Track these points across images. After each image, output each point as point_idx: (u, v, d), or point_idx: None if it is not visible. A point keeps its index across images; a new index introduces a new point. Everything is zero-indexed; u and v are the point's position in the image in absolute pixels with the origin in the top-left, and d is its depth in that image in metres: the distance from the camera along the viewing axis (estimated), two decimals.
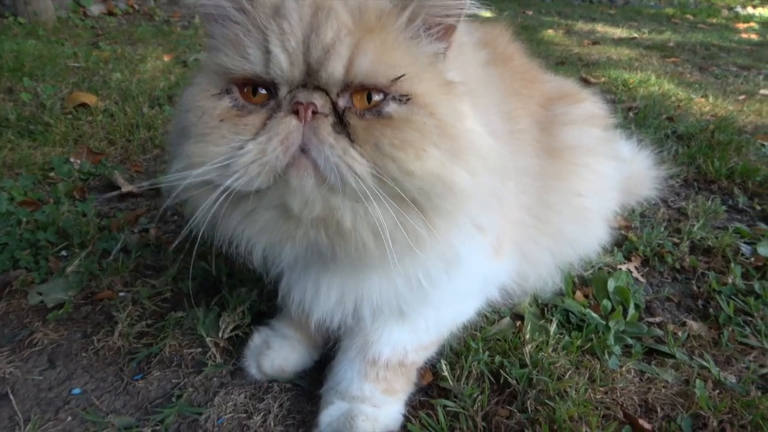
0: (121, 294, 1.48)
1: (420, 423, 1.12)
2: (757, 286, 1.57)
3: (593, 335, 1.35)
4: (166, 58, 3.84)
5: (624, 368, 1.27)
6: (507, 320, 1.41)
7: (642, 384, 1.24)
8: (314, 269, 0.98)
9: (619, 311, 1.44)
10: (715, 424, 1.13)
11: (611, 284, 1.52)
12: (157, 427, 1.11)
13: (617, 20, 7.43)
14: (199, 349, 1.30)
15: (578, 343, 1.31)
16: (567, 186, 1.35)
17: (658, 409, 1.18)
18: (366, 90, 0.77)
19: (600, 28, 6.71)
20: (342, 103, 0.78)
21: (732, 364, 1.32)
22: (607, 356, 1.29)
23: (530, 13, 7.92)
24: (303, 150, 0.74)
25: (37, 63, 3.44)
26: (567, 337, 1.34)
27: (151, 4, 6.30)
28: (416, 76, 0.79)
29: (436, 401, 1.16)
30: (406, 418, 1.14)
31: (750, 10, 9.87)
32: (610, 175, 1.48)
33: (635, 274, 1.65)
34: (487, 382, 1.20)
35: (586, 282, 1.59)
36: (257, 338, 1.26)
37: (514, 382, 1.19)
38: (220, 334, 1.31)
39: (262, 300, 1.40)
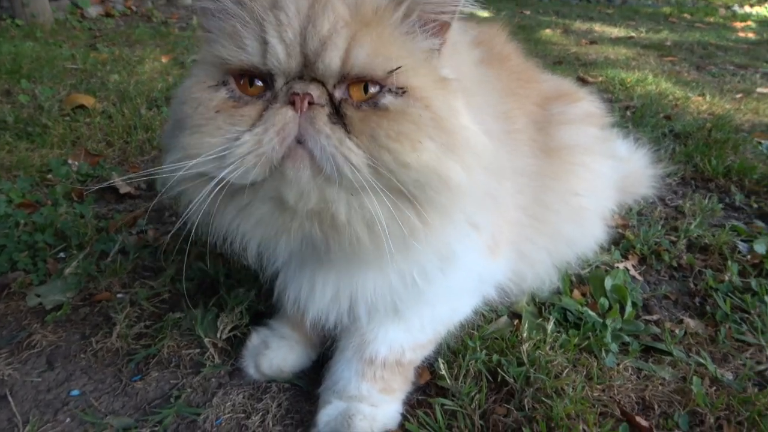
0: (119, 295, 1.48)
1: (418, 422, 1.12)
2: (753, 283, 1.58)
3: (590, 333, 1.36)
4: (164, 60, 3.84)
5: (621, 366, 1.27)
6: (504, 319, 1.41)
7: (639, 381, 1.24)
8: (309, 266, 0.99)
9: (616, 309, 1.44)
10: (712, 420, 1.14)
11: (608, 282, 1.53)
12: (156, 428, 1.11)
13: (615, 19, 7.45)
14: (198, 350, 1.30)
15: (575, 341, 1.31)
16: (564, 185, 1.35)
17: (656, 407, 1.18)
18: (362, 82, 0.78)
19: (597, 27, 6.72)
20: (338, 94, 0.78)
21: (729, 361, 1.33)
22: (604, 354, 1.30)
23: (528, 12, 7.93)
24: (299, 141, 0.75)
25: (35, 65, 3.44)
26: (564, 336, 1.34)
27: (149, 5, 6.30)
28: (412, 69, 0.80)
29: (434, 400, 1.17)
30: (404, 417, 1.14)
31: (747, 8, 9.89)
32: (607, 174, 1.48)
33: (632, 272, 1.66)
34: (484, 381, 1.21)
35: (584, 280, 1.60)
36: (255, 338, 1.26)
37: (512, 380, 1.20)
38: (218, 335, 1.31)
39: (260, 300, 1.41)
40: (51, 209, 1.79)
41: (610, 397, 1.19)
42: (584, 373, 1.24)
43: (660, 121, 2.94)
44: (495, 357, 1.25)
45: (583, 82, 3.75)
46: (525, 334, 1.32)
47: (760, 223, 1.96)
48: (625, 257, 1.74)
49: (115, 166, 2.20)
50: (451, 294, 1.11)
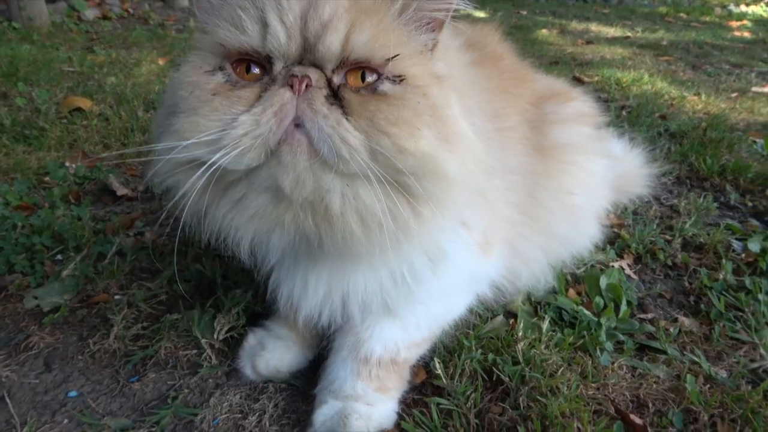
0: (116, 297, 1.48)
1: (414, 421, 1.13)
2: (747, 281, 1.59)
3: (585, 332, 1.37)
4: (161, 62, 3.85)
5: (616, 364, 1.28)
6: (500, 318, 1.42)
7: (634, 380, 1.25)
8: (302, 264, 0.99)
9: (611, 308, 1.45)
10: (705, 418, 1.15)
11: (603, 281, 1.54)
12: (153, 429, 1.12)
13: (611, 19, 7.46)
14: (195, 351, 1.31)
15: (570, 340, 1.32)
16: (558, 184, 1.36)
17: (650, 405, 1.19)
18: (360, 69, 0.79)
19: (594, 27, 6.73)
20: (336, 80, 0.78)
21: (723, 359, 1.34)
22: (599, 353, 1.31)
23: (524, 13, 7.95)
24: (297, 125, 0.74)
25: (32, 68, 3.44)
26: (559, 335, 1.35)
27: (146, 7, 6.31)
28: (409, 59, 0.81)
29: (430, 399, 1.17)
30: (400, 416, 1.15)
31: (743, 8, 9.91)
32: (601, 173, 1.49)
33: (627, 271, 1.67)
34: (480, 380, 1.22)
35: (579, 279, 1.60)
36: (252, 339, 1.27)
37: (507, 379, 1.21)
38: (215, 336, 1.31)
39: (257, 301, 1.41)
40: (48, 211, 1.79)
41: (605, 395, 1.20)
42: (579, 371, 1.25)
43: (655, 120, 2.96)
44: (490, 356, 1.26)
45: (579, 81, 3.76)
46: (520, 333, 1.33)
47: (754, 222, 1.98)
48: (620, 256, 1.75)
49: (112, 169, 2.21)
50: (444, 292, 1.12)
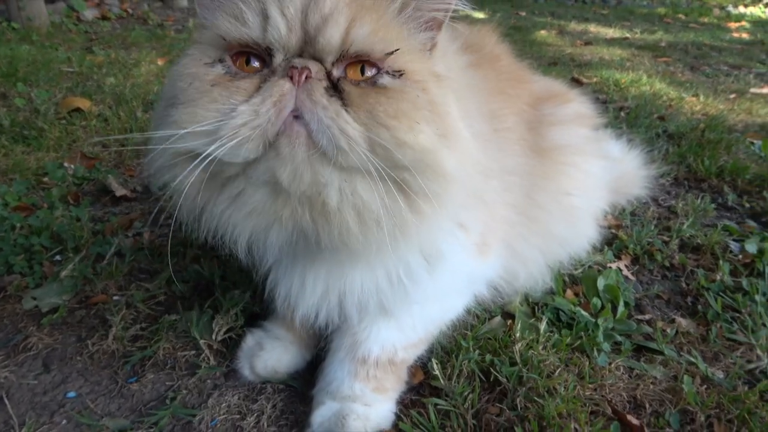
0: (115, 298, 1.49)
1: (411, 421, 1.14)
2: (745, 282, 1.59)
3: (583, 333, 1.37)
4: (160, 62, 3.85)
5: (613, 365, 1.28)
6: (498, 319, 1.42)
7: (631, 380, 1.26)
8: (300, 264, 0.99)
9: (608, 309, 1.46)
10: (702, 419, 1.15)
11: (601, 282, 1.54)
12: (152, 429, 1.12)
13: (610, 20, 7.47)
14: (193, 352, 1.31)
15: (568, 340, 1.33)
16: (555, 185, 1.36)
17: (647, 405, 1.19)
18: (360, 63, 0.79)
19: (593, 28, 6.74)
20: (336, 72, 0.79)
21: (720, 360, 1.34)
22: (596, 353, 1.31)
23: (523, 14, 7.95)
24: (296, 117, 0.74)
25: (31, 68, 3.44)
26: (557, 335, 1.35)
27: (145, 8, 6.31)
28: (409, 54, 0.82)
29: (428, 400, 1.18)
30: (398, 417, 1.15)
31: (741, 9, 9.93)
32: (599, 174, 1.50)
33: (625, 272, 1.67)
34: (477, 381, 1.22)
35: (577, 280, 1.61)
36: (250, 340, 1.27)
37: (505, 380, 1.21)
38: (213, 337, 1.32)
39: (255, 302, 1.42)
40: (47, 212, 1.79)
41: (602, 396, 1.20)
42: (576, 372, 1.25)
43: (654, 121, 2.96)
44: (488, 357, 1.27)
45: (577, 83, 3.77)
46: (518, 334, 1.33)
47: (752, 223, 1.98)
48: (617, 257, 1.75)
49: (111, 169, 2.21)
50: (440, 293, 1.12)
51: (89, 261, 1.61)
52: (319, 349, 1.26)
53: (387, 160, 0.76)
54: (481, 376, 1.24)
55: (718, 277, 1.63)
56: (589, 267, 1.66)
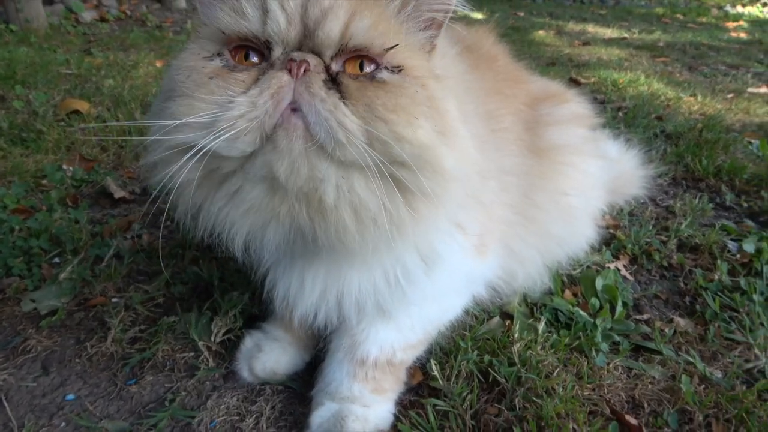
0: (113, 300, 1.49)
1: (410, 422, 1.14)
2: (742, 282, 1.60)
3: (581, 333, 1.37)
4: (158, 64, 3.85)
5: (611, 365, 1.29)
6: (496, 319, 1.42)
7: (629, 380, 1.26)
8: (299, 263, 0.99)
9: (606, 309, 1.46)
10: (700, 418, 1.15)
11: (599, 282, 1.54)
12: (151, 431, 1.12)
13: (608, 20, 7.48)
14: (192, 354, 1.31)
15: (566, 341, 1.33)
16: (553, 185, 1.37)
17: (645, 405, 1.20)
18: (359, 58, 0.79)
19: (591, 28, 6.75)
20: (335, 67, 0.79)
21: (718, 360, 1.34)
22: (594, 354, 1.31)
23: (521, 14, 7.96)
24: (293, 110, 0.73)
25: (30, 70, 3.44)
26: (555, 336, 1.36)
27: (144, 9, 6.31)
28: (408, 51, 0.82)
29: (426, 400, 1.18)
30: (397, 418, 1.15)
31: (739, 8, 9.95)
32: (596, 174, 1.50)
33: (623, 272, 1.67)
34: (476, 381, 1.22)
35: (575, 281, 1.61)
36: (249, 341, 1.27)
37: (503, 380, 1.21)
38: (212, 338, 1.32)
39: (254, 303, 1.42)
40: (46, 214, 1.79)
41: (600, 396, 1.20)
42: (575, 372, 1.25)
43: (652, 121, 2.97)
44: (487, 357, 1.27)
45: (575, 83, 3.78)
46: (516, 335, 1.33)
47: (749, 223, 1.98)
48: (616, 257, 1.75)
49: (110, 171, 2.21)
50: (438, 294, 1.12)
51: (88, 263, 1.61)
52: (318, 351, 1.26)
53: (385, 154, 0.75)
54: (480, 377, 1.24)
55: (716, 277, 1.63)
56: (588, 267, 1.66)
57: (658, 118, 3.05)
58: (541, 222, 1.34)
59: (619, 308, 1.47)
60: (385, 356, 1.12)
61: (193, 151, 0.74)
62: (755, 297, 1.53)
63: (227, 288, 1.48)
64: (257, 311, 1.40)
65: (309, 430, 1.10)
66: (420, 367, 1.27)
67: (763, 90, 3.78)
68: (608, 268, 1.65)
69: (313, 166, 0.75)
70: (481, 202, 1.05)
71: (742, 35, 6.59)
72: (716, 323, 1.45)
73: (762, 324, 1.44)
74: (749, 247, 1.75)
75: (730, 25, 7.64)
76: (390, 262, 0.97)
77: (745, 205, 2.12)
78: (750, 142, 2.66)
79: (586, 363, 1.28)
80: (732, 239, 1.85)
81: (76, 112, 2.74)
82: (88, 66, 3.66)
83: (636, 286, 1.64)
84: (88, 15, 5.60)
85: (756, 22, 8.03)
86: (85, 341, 1.34)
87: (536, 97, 1.43)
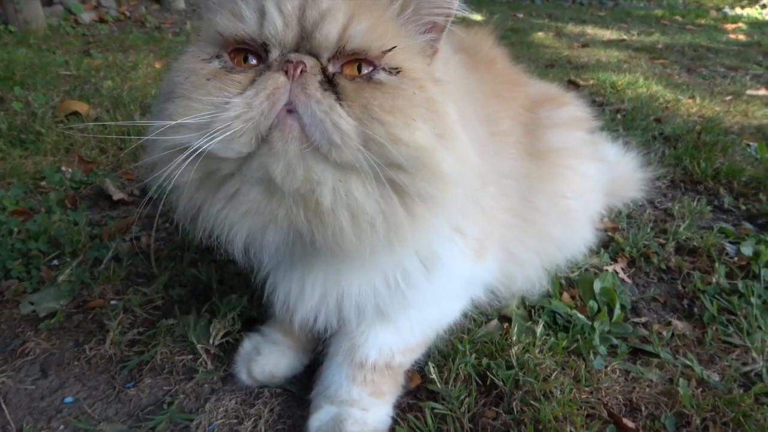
0: (112, 302, 1.49)
1: (408, 425, 1.14)
2: (740, 285, 1.60)
3: (579, 336, 1.37)
4: (157, 65, 3.85)
5: (609, 368, 1.29)
6: (494, 322, 1.42)
7: (627, 383, 1.26)
8: (299, 267, 0.99)
9: (605, 312, 1.46)
10: (698, 421, 1.16)
11: (597, 285, 1.55)
12: None
13: (607, 22, 7.49)
14: (190, 356, 1.31)
15: (564, 344, 1.33)
16: (551, 187, 1.37)
17: (642, 408, 1.20)
18: (357, 61, 0.79)
19: (590, 30, 6.76)
20: (332, 68, 0.79)
21: (715, 363, 1.35)
22: (592, 356, 1.32)
23: (521, 15, 7.97)
24: (289, 111, 0.73)
25: (28, 71, 3.44)
26: (553, 339, 1.36)
27: (143, 10, 6.31)
28: (407, 53, 0.82)
29: (424, 404, 1.18)
30: (395, 421, 1.15)
31: (738, 10, 9.96)
32: (595, 177, 1.50)
33: (621, 275, 1.68)
34: (474, 384, 1.22)
35: (573, 283, 1.61)
36: (247, 344, 1.27)
37: (501, 383, 1.21)
38: (210, 341, 1.32)
39: (253, 306, 1.42)
40: (44, 216, 1.79)
41: (598, 399, 1.21)
42: (572, 375, 1.25)
43: (650, 124, 2.97)
44: (485, 360, 1.27)
45: (574, 85, 3.78)
46: (514, 338, 1.34)
47: (748, 225, 1.99)
48: (614, 260, 1.76)
49: (109, 173, 2.21)
50: (438, 297, 1.12)
51: (87, 265, 1.61)
52: (317, 353, 1.26)
53: (381, 156, 0.74)
54: (478, 380, 1.24)
55: (714, 280, 1.64)
56: (586, 270, 1.67)
57: (656, 120, 3.05)
58: (540, 225, 1.34)
59: (617, 311, 1.47)
60: (384, 359, 1.12)
61: (188, 152, 0.75)
62: (753, 300, 1.53)
63: (226, 290, 1.48)
64: (256, 314, 1.40)
65: None
66: (418, 370, 1.27)
67: (761, 92, 3.78)
68: (606, 270, 1.65)
69: (309, 168, 0.75)
70: (481, 206, 1.05)
71: (741, 37, 6.61)
72: (714, 326, 1.46)
73: (759, 327, 1.44)
74: (747, 250, 1.76)
75: (729, 26, 7.66)
76: (390, 265, 0.97)
77: (743, 207, 2.12)
78: (748, 145, 2.67)
79: (583, 366, 1.28)
80: (730, 242, 1.85)
81: (75, 113, 2.74)
82: (87, 67, 3.66)
83: (634, 289, 1.64)
84: (87, 16, 5.60)
85: (755, 24, 8.05)
86: (84, 344, 1.34)
87: (535, 100, 1.44)
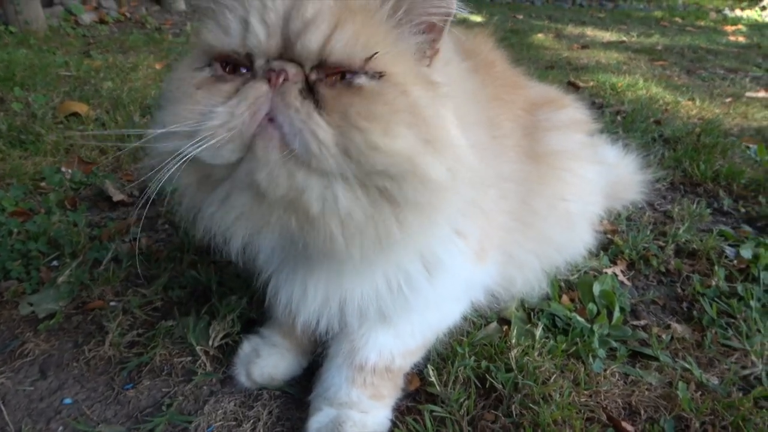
0: (111, 303, 1.49)
1: (407, 428, 1.14)
2: (740, 288, 1.60)
3: (578, 339, 1.37)
4: (157, 66, 3.85)
5: (608, 371, 1.29)
6: (494, 325, 1.43)
7: (626, 387, 1.26)
8: (301, 270, 0.99)
9: (604, 315, 1.46)
10: (697, 425, 1.16)
11: (597, 288, 1.55)
12: None
13: (606, 23, 7.50)
14: (189, 358, 1.31)
15: (563, 346, 1.33)
16: (551, 190, 1.37)
17: (642, 412, 1.20)
18: (340, 71, 0.78)
19: (589, 31, 6.77)
20: (315, 76, 0.78)
21: (714, 366, 1.35)
22: (591, 359, 1.31)
23: (520, 17, 7.98)
24: (271, 120, 0.74)
25: (28, 72, 3.44)
26: (552, 341, 1.36)
27: (143, 12, 6.31)
28: (392, 57, 0.80)
29: (423, 406, 1.18)
30: (394, 424, 1.15)
31: (738, 12, 9.97)
32: (594, 180, 1.50)
33: (621, 277, 1.68)
34: (473, 387, 1.22)
35: (572, 286, 1.61)
36: (247, 346, 1.27)
37: (500, 386, 1.21)
38: (210, 343, 1.32)
39: (252, 308, 1.42)
40: (44, 217, 1.79)
41: (597, 402, 1.21)
42: (571, 378, 1.25)
43: (650, 126, 2.97)
44: (484, 363, 1.27)
45: (574, 87, 3.78)
46: (514, 340, 1.34)
47: (747, 228, 1.99)
48: (613, 262, 1.76)
49: (109, 174, 2.21)
50: (439, 300, 1.12)
51: (86, 266, 1.61)
52: (316, 356, 1.26)
53: (362, 164, 0.74)
54: (477, 383, 1.24)
55: (714, 283, 1.64)
56: (585, 272, 1.67)
57: (656, 122, 3.05)
58: (540, 227, 1.34)
59: (617, 314, 1.48)
60: (383, 362, 1.12)
61: (179, 159, 0.76)
62: (752, 303, 1.53)
63: (225, 292, 1.48)
64: (255, 316, 1.40)
65: None
66: (417, 372, 1.27)
67: (761, 94, 3.79)
68: (606, 273, 1.65)
69: (291, 175, 0.75)
70: (481, 209, 1.05)
71: (741, 39, 6.62)
72: (713, 329, 1.46)
73: (759, 330, 1.44)
74: (746, 252, 1.76)
75: (729, 28, 7.67)
76: (393, 268, 0.97)
77: (743, 210, 2.12)
78: (748, 147, 2.67)
79: (583, 369, 1.28)
80: (729, 245, 1.85)
81: (75, 114, 2.74)
82: (87, 68, 3.66)
83: (633, 292, 1.64)
84: (87, 17, 5.60)
85: (754, 26, 8.06)
86: (83, 345, 1.34)
87: (534, 103, 1.43)
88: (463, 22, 0.90)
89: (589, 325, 1.41)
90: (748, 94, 3.78)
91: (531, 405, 1.15)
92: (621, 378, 1.29)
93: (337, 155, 0.73)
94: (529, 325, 1.42)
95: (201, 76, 0.81)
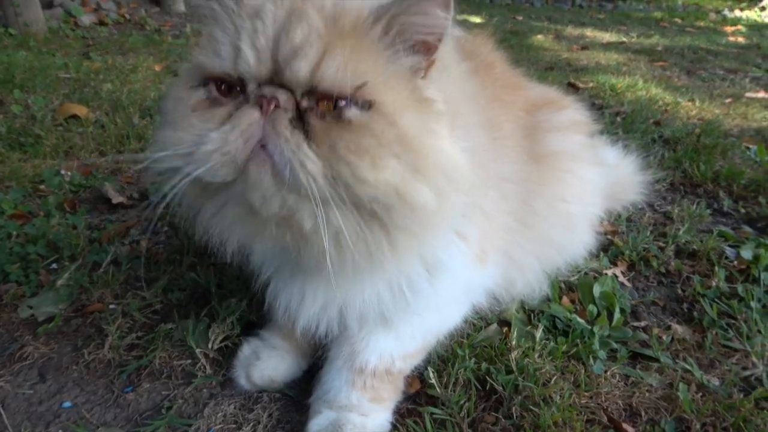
0: (111, 306, 1.48)
1: (407, 431, 1.13)
2: (740, 289, 1.60)
3: (579, 340, 1.37)
4: (157, 68, 3.85)
5: (609, 373, 1.28)
6: (494, 327, 1.42)
7: (626, 388, 1.26)
8: (300, 275, 1.00)
9: (604, 316, 1.46)
10: (698, 426, 1.15)
11: (597, 289, 1.54)
12: None
13: (606, 24, 7.51)
14: (189, 361, 1.31)
15: (564, 348, 1.33)
16: (551, 191, 1.37)
17: (642, 413, 1.19)
18: (332, 99, 0.78)
19: (589, 32, 6.77)
20: (305, 103, 0.78)
21: (715, 367, 1.34)
22: (592, 361, 1.31)
23: (520, 18, 7.98)
24: (263, 146, 0.76)
25: (28, 74, 3.45)
26: (553, 343, 1.35)
27: (142, 13, 6.31)
28: (383, 84, 0.79)
29: (424, 409, 1.18)
30: (394, 426, 1.15)
31: (737, 12, 9.98)
32: (594, 181, 1.50)
33: (621, 278, 1.68)
34: (473, 389, 1.22)
35: (573, 287, 1.61)
36: (246, 349, 1.27)
37: (500, 388, 1.21)
38: (209, 345, 1.31)
39: (252, 310, 1.42)
40: (43, 220, 1.79)
41: (598, 404, 1.20)
42: (572, 380, 1.25)
43: (650, 126, 2.97)
44: (484, 365, 1.27)
45: (574, 88, 3.78)
46: (514, 342, 1.33)
47: (747, 229, 1.99)
48: (613, 264, 1.75)
49: (108, 176, 2.21)
50: (440, 303, 1.12)
51: (85, 269, 1.60)
52: (316, 358, 1.26)
53: (349, 195, 0.76)
54: (477, 385, 1.24)
55: (714, 284, 1.63)
56: (585, 274, 1.66)
57: (656, 123, 3.05)
58: (540, 229, 1.34)
59: (617, 315, 1.47)
60: (384, 365, 1.12)
61: (178, 176, 0.79)
62: (753, 304, 1.53)
63: (225, 295, 1.48)
64: (255, 318, 1.40)
65: None
66: (418, 375, 1.26)
67: (761, 95, 3.79)
68: (606, 274, 1.65)
69: (283, 198, 0.77)
70: (482, 212, 1.05)
71: (740, 39, 6.62)
72: (714, 330, 1.45)
73: (759, 331, 1.44)
74: (747, 253, 1.75)
75: (728, 29, 7.67)
76: (394, 273, 0.97)
77: (743, 210, 2.12)
78: (748, 148, 2.67)
79: (583, 371, 1.28)
80: (730, 245, 1.85)
81: (75, 116, 2.74)
82: (86, 70, 3.67)
83: (634, 293, 1.64)
84: (86, 19, 5.61)
85: (754, 27, 8.06)
86: (83, 348, 1.34)
87: (534, 104, 1.43)
88: (463, 23, 0.89)
89: (589, 327, 1.41)
90: (747, 94, 3.78)
91: (531, 407, 1.15)
92: (621, 379, 1.29)
93: (325, 186, 0.75)
94: (529, 327, 1.42)
95: (196, 98, 0.83)
